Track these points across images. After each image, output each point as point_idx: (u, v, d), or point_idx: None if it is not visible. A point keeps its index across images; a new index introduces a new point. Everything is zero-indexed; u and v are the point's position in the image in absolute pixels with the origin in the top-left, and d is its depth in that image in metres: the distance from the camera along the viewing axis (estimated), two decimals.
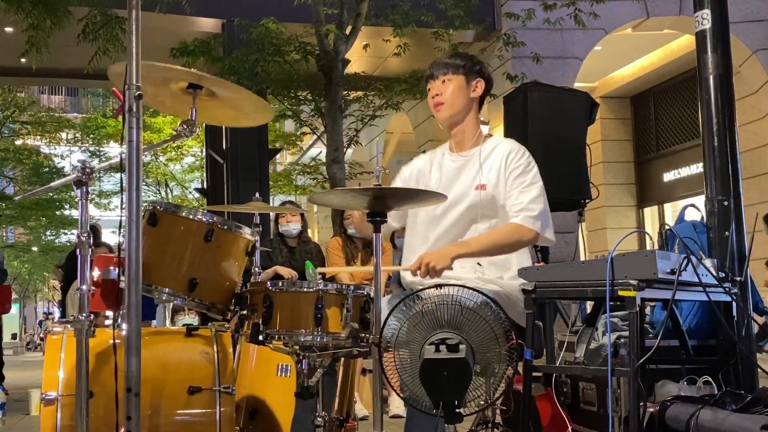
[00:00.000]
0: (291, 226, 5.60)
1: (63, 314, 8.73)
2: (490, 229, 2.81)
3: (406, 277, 2.92)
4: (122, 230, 2.07)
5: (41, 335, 31.60)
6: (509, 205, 2.79)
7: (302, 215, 5.72)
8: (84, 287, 2.38)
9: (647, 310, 3.66)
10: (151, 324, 6.50)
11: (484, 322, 2.34)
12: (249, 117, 2.91)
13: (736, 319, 3.18)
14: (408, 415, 2.69)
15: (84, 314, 2.37)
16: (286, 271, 5.43)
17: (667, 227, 3.44)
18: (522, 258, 2.85)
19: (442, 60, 2.95)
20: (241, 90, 2.74)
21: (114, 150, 20.07)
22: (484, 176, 2.82)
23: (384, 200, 2.56)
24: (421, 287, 2.50)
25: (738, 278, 3.26)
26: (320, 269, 3.89)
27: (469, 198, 2.82)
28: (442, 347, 2.26)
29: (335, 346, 2.63)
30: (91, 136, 20.26)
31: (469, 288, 2.39)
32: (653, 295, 2.73)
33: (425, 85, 2.98)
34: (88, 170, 2.43)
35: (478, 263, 2.77)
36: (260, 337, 2.57)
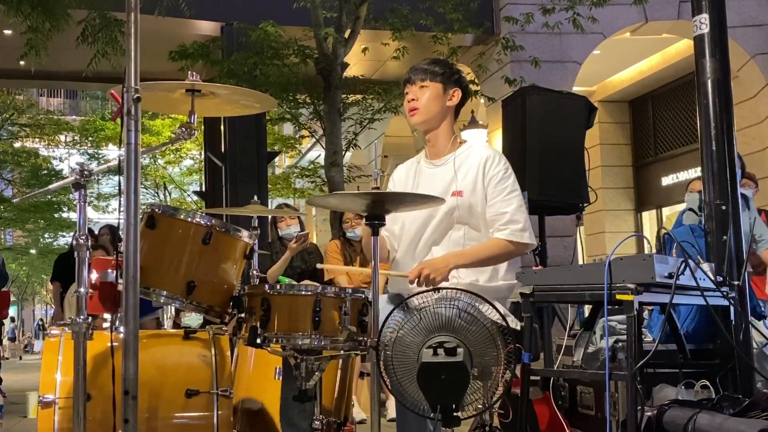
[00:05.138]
0: (291, 229, 5.61)
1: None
2: (463, 236, 2.83)
3: (393, 286, 2.92)
4: (120, 233, 2.07)
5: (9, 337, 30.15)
6: (492, 214, 2.80)
7: (299, 218, 5.72)
8: (82, 290, 2.38)
9: (645, 314, 3.66)
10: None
11: (482, 325, 2.34)
12: (249, 107, 2.92)
13: (734, 323, 3.19)
14: (399, 417, 2.68)
15: (82, 317, 2.37)
16: None
17: (665, 231, 3.44)
18: None
19: (421, 65, 2.97)
20: (240, 88, 2.75)
21: (112, 153, 20.05)
22: (460, 183, 2.84)
23: (382, 204, 2.56)
24: (416, 291, 2.50)
25: (736, 282, 3.26)
26: (319, 265, 3.90)
27: (446, 205, 2.81)
28: (440, 351, 2.26)
29: (333, 349, 2.63)
30: (90, 138, 20.23)
31: (466, 291, 2.39)
32: (651, 299, 2.73)
33: (403, 89, 2.98)
34: (86, 173, 2.43)
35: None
36: (258, 340, 2.57)
